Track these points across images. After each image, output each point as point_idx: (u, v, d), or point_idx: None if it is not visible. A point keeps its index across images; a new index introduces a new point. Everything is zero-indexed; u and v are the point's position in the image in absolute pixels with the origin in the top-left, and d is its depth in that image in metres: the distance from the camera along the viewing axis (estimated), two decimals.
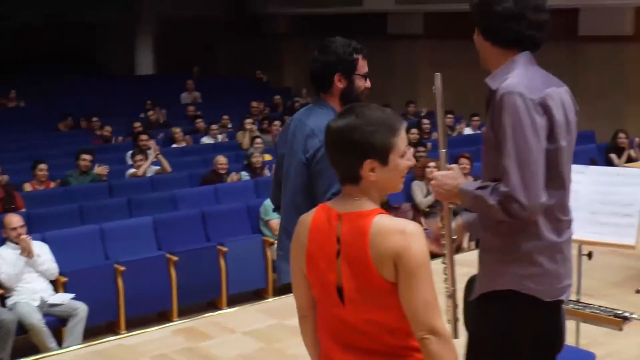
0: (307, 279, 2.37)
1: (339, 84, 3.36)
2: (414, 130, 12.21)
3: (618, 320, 3.98)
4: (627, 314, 4.00)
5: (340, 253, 2.25)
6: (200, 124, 14.07)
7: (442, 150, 2.77)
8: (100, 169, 9.88)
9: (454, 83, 15.53)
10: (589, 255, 4.45)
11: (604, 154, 11.45)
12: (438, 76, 2.80)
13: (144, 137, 11.05)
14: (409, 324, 2.21)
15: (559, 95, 2.67)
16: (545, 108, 2.59)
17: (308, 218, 2.37)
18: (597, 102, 13.22)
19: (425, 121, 13.58)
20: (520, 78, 2.63)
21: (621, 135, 11.53)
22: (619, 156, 11.35)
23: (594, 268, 5.76)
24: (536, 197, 2.52)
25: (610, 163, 10.95)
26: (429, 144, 11.08)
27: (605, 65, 14.34)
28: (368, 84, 3.44)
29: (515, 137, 2.54)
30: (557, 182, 2.64)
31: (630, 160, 11.10)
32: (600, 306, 4.11)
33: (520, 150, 2.53)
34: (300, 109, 3.59)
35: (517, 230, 2.64)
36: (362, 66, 3.40)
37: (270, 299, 7.00)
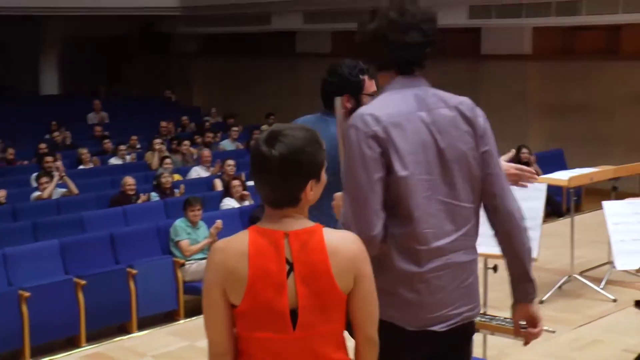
0: (238, 311, 2.23)
1: (348, 104, 3.45)
2: None
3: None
4: None
5: (292, 274, 2.22)
6: (107, 144, 13.83)
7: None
8: None
9: None
10: (494, 268, 4.57)
11: None
12: (338, 100, 2.84)
13: (49, 158, 10.79)
14: (343, 337, 2.30)
15: (421, 121, 2.61)
16: (378, 140, 2.55)
17: (240, 246, 2.23)
18: (499, 118, 13.58)
19: None
20: (373, 105, 2.64)
21: (524, 150, 11.91)
22: None
23: (500, 281, 5.90)
24: (366, 230, 2.51)
25: None
26: None
27: (507, 83, 14.82)
28: None
29: (349, 169, 2.57)
30: (403, 212, 2.58)
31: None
32: (506, 318, 4.21)
33: (351, 184, 2.55)
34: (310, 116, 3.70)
35: (373, 262, 2.57)
36: (370, 86, 3.54)
37: (182, 321, 6.92)
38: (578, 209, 10.59)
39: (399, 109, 2.61)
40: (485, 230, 3.48)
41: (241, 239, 2.25)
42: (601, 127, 14.04)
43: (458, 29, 14.97)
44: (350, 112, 3.40)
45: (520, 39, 14.64)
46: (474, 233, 2.73)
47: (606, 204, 4.42)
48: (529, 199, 4.84)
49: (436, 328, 2.63)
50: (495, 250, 4.27)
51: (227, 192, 9.82)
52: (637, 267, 4.18)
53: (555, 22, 13.36)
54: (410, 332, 2.61)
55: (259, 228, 2.26)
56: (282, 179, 2.22)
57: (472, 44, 15.29)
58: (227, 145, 14.41)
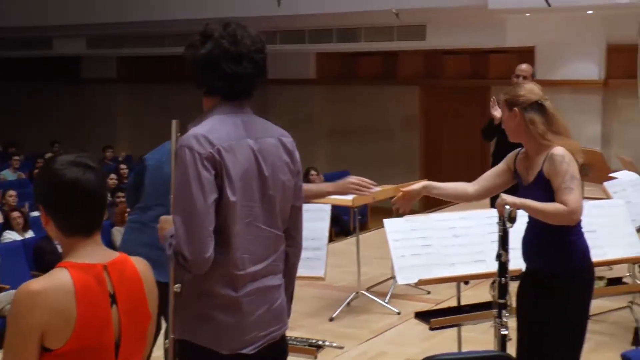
0: (57, 354, 2.07)
1: None
2: (113, 176, 12.01)
3: (312, 350, 4.20)
4: (320, 342, 4.24)
5: (114, 306, 2.15)
6: None
7: (171, 196, 2.69)
8: None
9: (149, 127, 15.59)
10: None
11: None
12: (174, 122, 2.78)
13: None
14: None
15: (249, 147, 2.64)
16: (214, 162, 2.54)
17: (63, 285, 2.08)
18: None
19: (123, 166, 13.42)
20: (204, 127, 2.61)
21: (312, 172, 12.29)
22: None
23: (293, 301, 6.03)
24: (199, 252, 2.51)
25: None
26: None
27: (293, 107, 15.20)
28: None
29: (182, 190, 2.54)
30: (226, 237, 2.59)
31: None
32: (296, 337, 4.30)
33: (185, 204, 2.52)
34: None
35: (190, 288, 2.64)
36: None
37: None
38: (364, 228, 11.02)
39: (229, 133, 2.61)
40: None
41: (61, 278, 2.10)
42: (382, 149, 14.75)
43: None
44: None
45: (305, 64, 15.09)
46: (282, 258, 2.81)
47: (387, 221, 4.63)
48: (315, 220, 4.98)
49: (246, 350, 2.67)
50: None
51: (7, 224, 9.31)
52: (416, 281, 4.41)
53: (337, 48, 13.90)
54: (224, 356, 2.64)
55: (75, 264, 2.14)
56: (92, 204, 2.18)
57: None
58: (7, 175, 13.69)
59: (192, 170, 2.52)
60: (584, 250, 3.53)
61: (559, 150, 3.44)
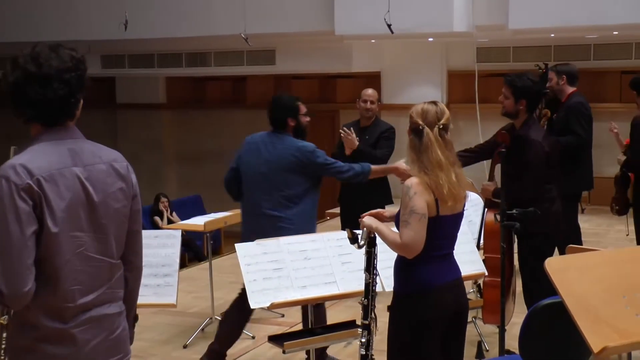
0: None
1: (292, 123, 5.31)
2: None
3: None
4: None
5: None
6: None
7: None
8: None
9: None
10: (135, 318, 4.54)
11: (148, 217, 11.86)
12: (12, 150, 2.70)
13: None
14: None
15: (75, 176, 2.56)
16: (32, 193, 2.45)
17: None
18: (137, 167, 13.54)
19: None
20: (24, 157, 2.51)
21: (163, 199, 12.11)
22: (162, 218, 11.89)
23: (143, 330, 5.91)
24: (16, 286, 2.43)
25: (156, 226, 11.39)
26: None
27: (143, 131, 14.96)
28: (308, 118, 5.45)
29: None
30: (50, 269, 2.51)
31: (170, 222, 11.67)
32: None
33: (1, 238, 2.42)
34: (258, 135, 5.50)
35: (18, 318, 2.56)
36: (303, 109, 5.38)
37: None
38: (218, 252, 10.97)
39: (51, 162, 2.53)
40: None
41: None
42: None
43: (93, 79, 14.79)
44: (294, 129, 5.30)
45: (154, 88, 14.90)
46: (120, 285, 2.76)
47: (238, 246, 4.61)
48: (165, 246, 4.90)
49: None
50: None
51: None
52: (268, 305, 4.43)
53: (186, 72, 13.82)
54: None
55: None
56: None
57: (108, 93, 15.22)
58: None
59: (9, 202, 2.43)
60: (425, 275, 3.50)
61: (408, 181, 3.45)
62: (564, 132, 6.60)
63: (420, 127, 3.49)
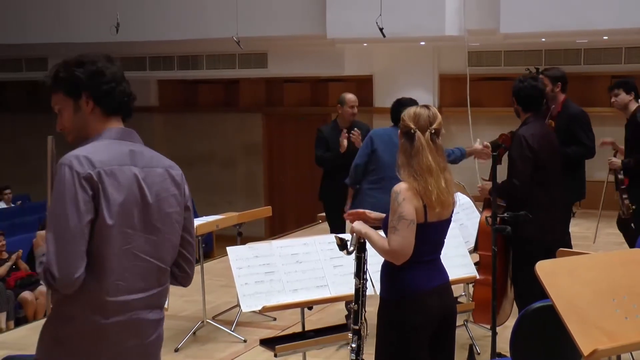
0: None
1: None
2: None
3: None
4: None
5: None
6: None
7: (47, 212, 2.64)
8: None
9: None
10: None
11: None
12: (50, 139, 2.75)
13: None
14: None
15: (133, 174, 2.62)
16: (92, 183, 2.51)
17: None
18: None
19: None
20: (87, 149, 2.58)
21: None
22: None
23: None
24: (68, 272, 2.45)
25: None
26: None
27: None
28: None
29: (57, 208, 2.48)
30: (99, 260, 2.53)
31: None
32: None
33: (61, 223, 2.47)
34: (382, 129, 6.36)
35: (60, 307, 2.57)
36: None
37: None
38: (210, 256, 10.96)
39: (112, 158, 2.59)
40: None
41: None
42: (225, 176, 14.75)
43: None
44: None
45: (146, 91, 14.88)
46: (165, 294, 2.75)
47: (230, 249, 4.62)
48: None
49: None
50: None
51: None
52: (260, 308, 4.43)
53: (178, 75, 13.82)
54: None
55: None
56: None
57: None
58: None
59: (70, 189, 2.48)
60: (411, 281, 3.49)
61: (397, 187, 3.43)
62: (567, 142, 6.35)
63: (412, 130, 3.46)
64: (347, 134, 7.05)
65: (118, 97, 2.72)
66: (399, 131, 3.57)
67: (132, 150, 2.68)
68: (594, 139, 6.57)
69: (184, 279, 2.86)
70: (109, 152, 2.61)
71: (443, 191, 3.45)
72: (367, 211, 3.81)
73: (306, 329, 4.67)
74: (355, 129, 7.12)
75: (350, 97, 7.35)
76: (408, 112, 3.54)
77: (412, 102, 5.83)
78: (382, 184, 5.94)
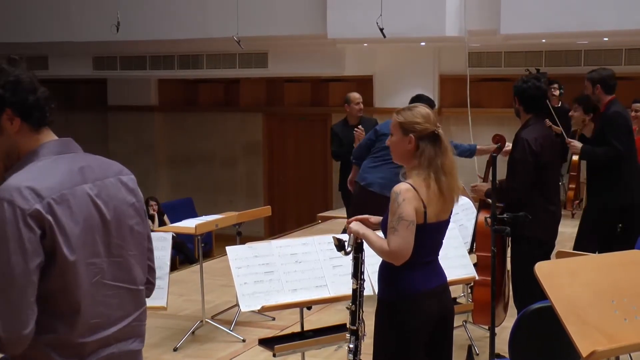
0: None
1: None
2: None
3: None
4: None
5: None
6: None
7: None
8: None
9: None
10: None
11: None
12: None
13: None
14: None
15: (86, 194, 2.27)
16: (41, 220, 2.13)
17: None
18: (129, 170, 13.66)
19: None
20: (30, 175, 2.20)
21: (152, 202, 12.08)
22: (152, 222, 11.89)
23: None
24: (20, 328, 2.10)
25: None
26: None
27: (134, 134, 14.94)
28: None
29: None
30: (67, 303, 2.22)
31: (163, 224, 11.67)
32: None
33: (1, 272, 2.09)
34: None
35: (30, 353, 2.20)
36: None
37: None
38: (209, 255, 10.97)
39: (64, 181, 2.22)
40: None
41: None
42: (226, 175, 14.74)
43: (84, 80, 14.82)
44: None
45: (146, 91, 14.89)
46: (144, 317, 2.50)
47: (229, 248, 4.62)
48: (155, 249, 4.89)
49: None
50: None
51: None
52: (259, 308, 4.43)
53: (178, 74, 13.82)
54: None
55: None
56: None
57: (99, 95, 15.22)
58: None
59: (12, 230, 2.09)
60: (409, 282, 3.48)
61: (397, 187, 3.40)
62: (601, 143, 6.30)
63: (436, 131, 3.44)
64: (358, 130, 7.71)
65: (44, 106, 2.29)
66: (411, 136, 3.45)
67: (78, 164, 2.31)
68: (626, 140, 6.35)
69: (148, 290, 2.57)
70: (57, 174, 2.23)
71: (454, 190, 3.48)
72: (368, 216, 3.79)
73: (305, 329, 4.67)
74: (360, 126, 7.73)
75: (354, 95, 8.29)
76: (419, 114, 3.48)
77: (429, 101, 6.26)
78: (383, 156, 6.41)
